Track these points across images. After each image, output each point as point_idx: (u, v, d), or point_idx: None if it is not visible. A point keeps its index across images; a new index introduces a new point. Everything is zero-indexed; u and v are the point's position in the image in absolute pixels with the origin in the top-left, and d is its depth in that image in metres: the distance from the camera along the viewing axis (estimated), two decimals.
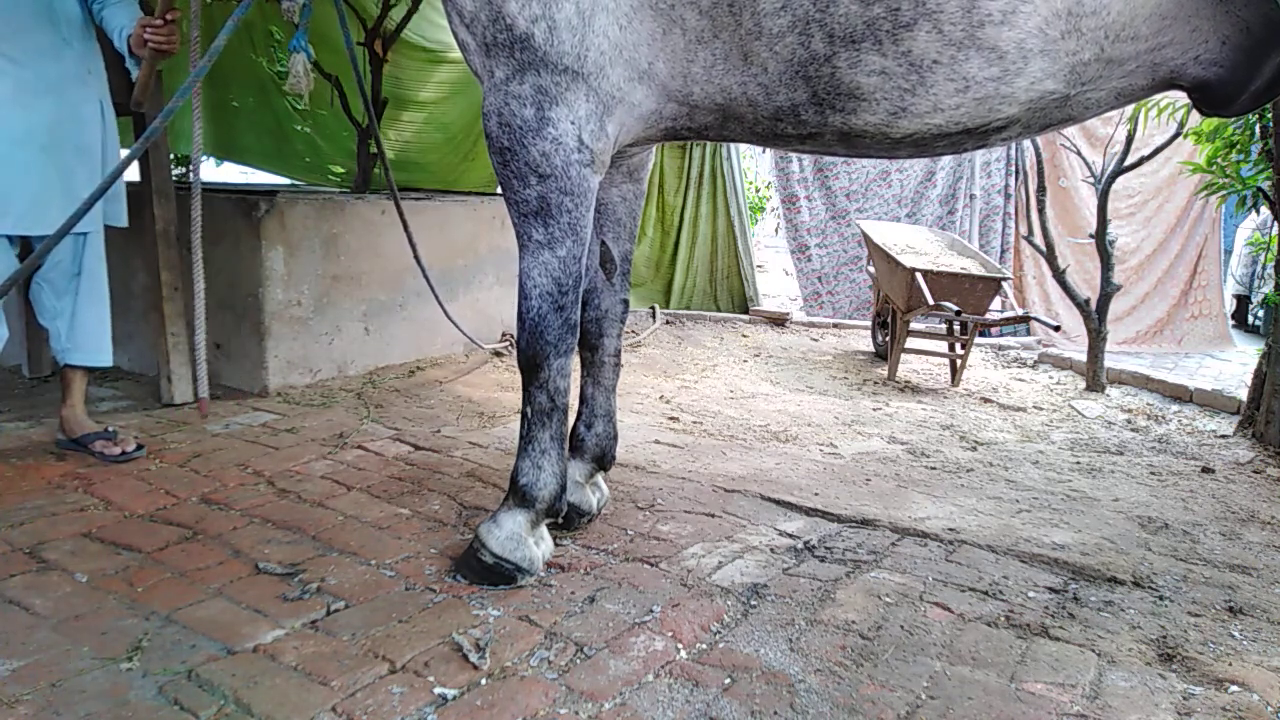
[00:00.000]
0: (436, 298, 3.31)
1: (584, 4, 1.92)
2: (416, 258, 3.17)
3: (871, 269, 6.35)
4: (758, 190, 11.55)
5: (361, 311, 4.29)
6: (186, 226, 3.69)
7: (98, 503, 2.55)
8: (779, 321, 7.16)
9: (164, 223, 3.54)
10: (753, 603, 2.12)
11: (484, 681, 1.73)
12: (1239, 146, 4.17)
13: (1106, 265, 5.30)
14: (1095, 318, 5.27)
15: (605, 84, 1.99)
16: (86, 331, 2.95)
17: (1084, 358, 5.52)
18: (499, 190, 2.81)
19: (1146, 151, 5.25)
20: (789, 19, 1.82)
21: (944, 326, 5.61)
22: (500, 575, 2.13)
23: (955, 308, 5.20)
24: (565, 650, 1.85)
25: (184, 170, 6.98)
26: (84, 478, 2.73)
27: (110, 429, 2.99)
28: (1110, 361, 5.49)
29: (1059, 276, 5.50)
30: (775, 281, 10.53)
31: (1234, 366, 6.75)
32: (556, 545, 2.36)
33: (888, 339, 5.84)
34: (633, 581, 2.19)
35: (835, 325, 7.21)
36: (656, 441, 3.56)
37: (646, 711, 1.66)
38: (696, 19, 1.90)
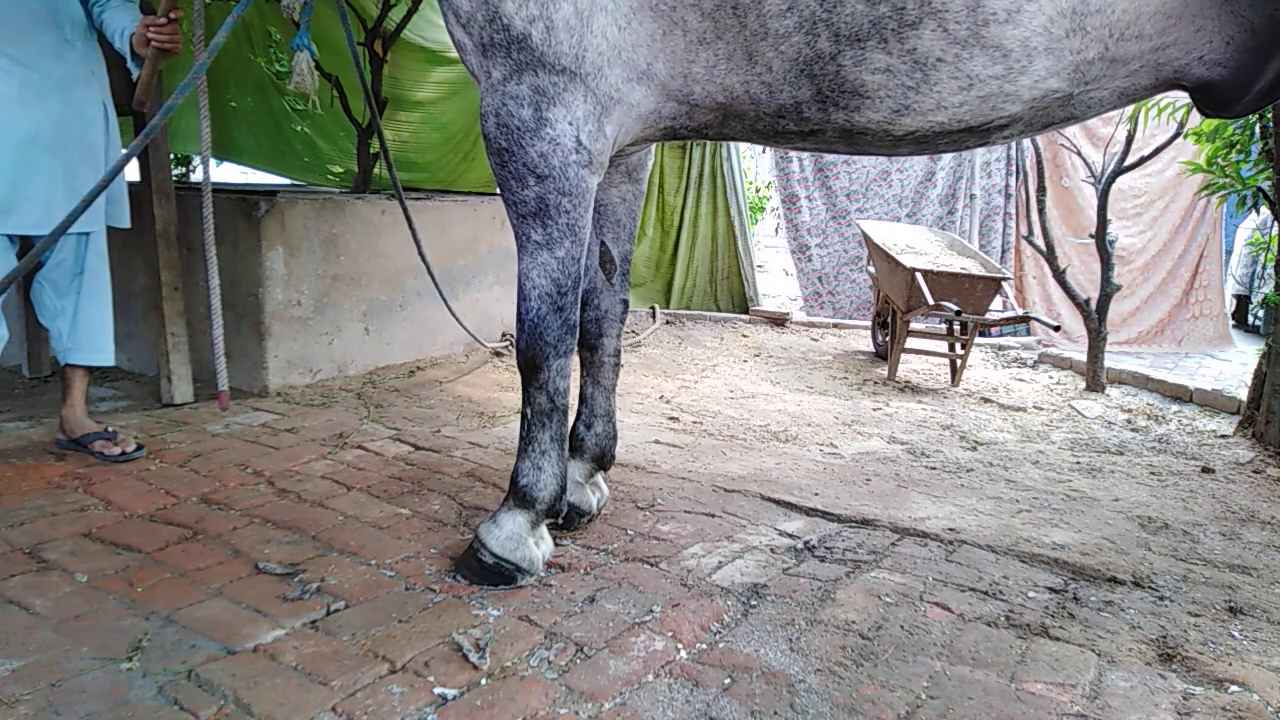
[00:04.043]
0: (439, 292, 3.30)
1: (582, 4, 1.91)
2: (421, 253, 3.17)
3: (872, 269, 6.35)
4: (758, 190, 11.55)
5: (361, 311, 4.29)
6: (187, 226, 3.71)
7: (98, 503, 2.55)
8: (779, 321, 7.16)
9: (164, 223, 3.54)
10: (753, 603, 2.12)
11: (484, 681, 1.73)
12: (1239, 146, 4.17)
13: (1106, 265, 5.30)
14: (1095, 318, 5.27)
15: (603, 84, 1.99)
16: (88, 331, 2.95)
17: (1084, 358, 5.52)
18: (498, 191, 2.80)
19: (1147, 151, 5.26)
20: (795, 19, 1.82)
21: (944, 326, 5.60)
22: (500, 575, 2.13)
23: (955, 308, 5.20)
24: (565, 650, 1.85)
25: (183, 170, 6.99)
26: (84, 478, 2.73)
27: (110, 429, 2.99)
28: (1110, 361, 5.49)
29: (1059, 276, 5.50)
30: (775, 281, 10.53)
31: (1234, 366, 6.75)
32: (556, 545, 2.36)
33: (888, 339, 5.84)
34: (633, 581, 2.19)
35: (835, 325, 7.21)
36: (656, 441, 3.56)
37: (646, 711, 1.66)
38: (698, 21, 1.90)
